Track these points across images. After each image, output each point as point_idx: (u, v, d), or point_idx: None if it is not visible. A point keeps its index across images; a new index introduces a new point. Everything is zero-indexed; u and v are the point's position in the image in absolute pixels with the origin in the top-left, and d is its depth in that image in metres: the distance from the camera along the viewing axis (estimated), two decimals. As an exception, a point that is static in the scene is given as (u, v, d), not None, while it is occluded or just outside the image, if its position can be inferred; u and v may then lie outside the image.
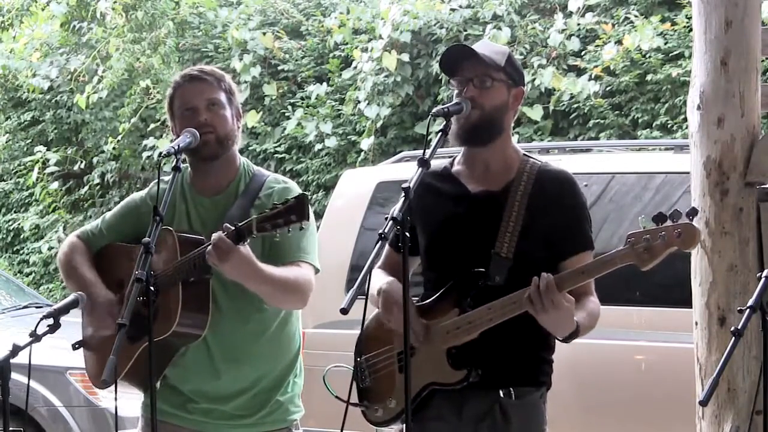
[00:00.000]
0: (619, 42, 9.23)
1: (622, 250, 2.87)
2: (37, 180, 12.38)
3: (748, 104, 4.15)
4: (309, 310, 3.42)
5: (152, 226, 3.02)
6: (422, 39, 10.11)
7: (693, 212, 2.79)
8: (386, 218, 2.79)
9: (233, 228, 3.06)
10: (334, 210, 6.14)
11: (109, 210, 3.74)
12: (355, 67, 10.33)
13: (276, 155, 10.83)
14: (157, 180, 3.23)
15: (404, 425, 2.92)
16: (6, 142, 12.97)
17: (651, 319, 5.11)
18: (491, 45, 3.32)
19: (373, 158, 9.84)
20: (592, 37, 9.61)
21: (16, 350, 3.15)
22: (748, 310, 2.76)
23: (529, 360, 3.16)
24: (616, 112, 9.25)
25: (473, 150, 3.22)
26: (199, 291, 3.24)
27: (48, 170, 12.39)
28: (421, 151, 3.00)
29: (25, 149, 12.85)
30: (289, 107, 10.80)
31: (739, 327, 2.74)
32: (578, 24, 9.53)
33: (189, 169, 3.46)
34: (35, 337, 3.17)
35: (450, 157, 3.36)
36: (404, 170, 5.67)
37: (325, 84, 10.67)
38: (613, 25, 9.50)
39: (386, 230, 2.76)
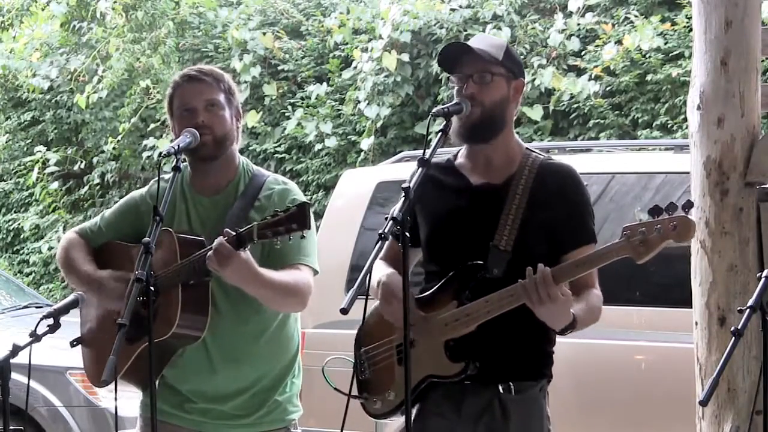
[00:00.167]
0: (619, 42, 9.23)
1: (618, 242, 2.87)
2: (37, 180, 12.38)
3: (748, 104, 4.15)
4: (309, 310, 3.42)
5: (152, 226, 3.02)
6: (422, 39, 10.11)
7: (689, 205, 2.78)
8: (386, 218, 2.80)
9: (234, 234, 3.07)
10: (334, 210, 6.14)
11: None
12: (355, 67, 10.33)
13: (276, 155, 10.83)
14: (157, 178, 3.23)
15: (404, 417, 2.93)
16: (6, 142, 12.97)
17: (651, 319, 5.11)
18: (488, 39, 3.32)
19: (373, 158, 9.84)
20: (592, 37, 9.61)
21: (16, 350, 3.16)
22: (748, 310, 2.77)
23: (528, 353, 3.16)
24: (616, 112, 9.25)
25: (476, 146, 3.23)
26: (198, 293, 3.24)
27: (48, 170, 12.39)
28: (421, 151, 3.00)
29: (25, 149, 12.85)
30: (289, 107, 10.80)
31: (739, 327, 2.75)
32: (578, 24, 9.53)
33: (189, 168, 3.46)
34: (35, 337, 3.17)
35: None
36: (404, 170, 5.65)
37: (325, 84, 10.67)
38: (613, 25, 9.50)
39: (386, 230, 2.77)
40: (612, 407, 5.16)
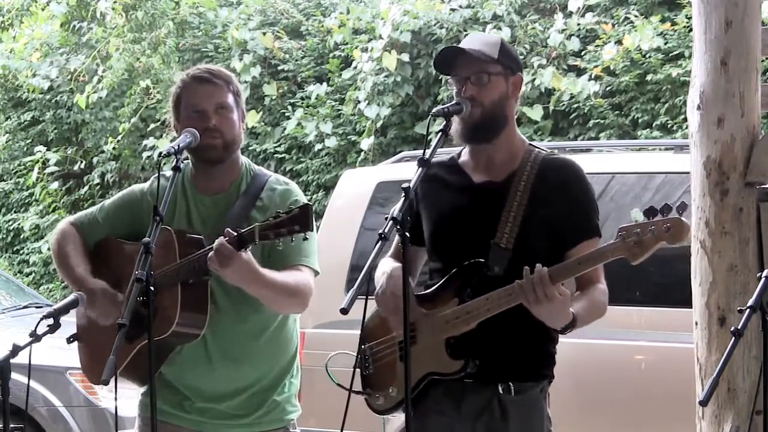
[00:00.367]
0: (619, 42, 9.23)
1: (613, 243, 2.88)
2: (37, 180, 12.37)
3: (748, 104, 4.15)
4: (309, 310, 3.42)
5: (152, 226, 3.01)
6: (422, 39, 10.11)
7: (683, 207, 2.79)
8: (386, 218, 2.80)
9: (235, 234, 3.07)
10: (334, 210, 6.14)
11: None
12: (355, 67, 10.33)
13: (276, 155, 10.83)
14: (157, 175, 3.22)
15: (404, 414, 2.94)
16: (6, 142, 12.97)
17: (651, 319, 5.11)
18: (482, 37, 3.31)
19: (373, 158, 9.84)
20: (592, 37, 9.61)
21: (16, 350, 3.15)
22: (748, 310, 2.76)
23: (529, 354, 3.16)
24: (616, 112, 9.25)
25: (479, 146, 3.24)
26: (198, 292, 3.24)
27: (48, 170, 12.38)
28: (421, 151, 3.01)
29: (25, 149, 12.84)
30: (289, 107, 10.80)
31: (739, 327, 2.74)
32: (578, 24, 9.53)
33: (190, 166, 3.46)
34: (35, 337, 3.17)
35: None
36: (404, 170, 5.67)
37: (325, 84, 10.66)
38: (613, 25, 9.50)
39: (386, 230, 2.77)
40: (612, 407, 5.16)
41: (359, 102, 10.09)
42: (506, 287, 2.99)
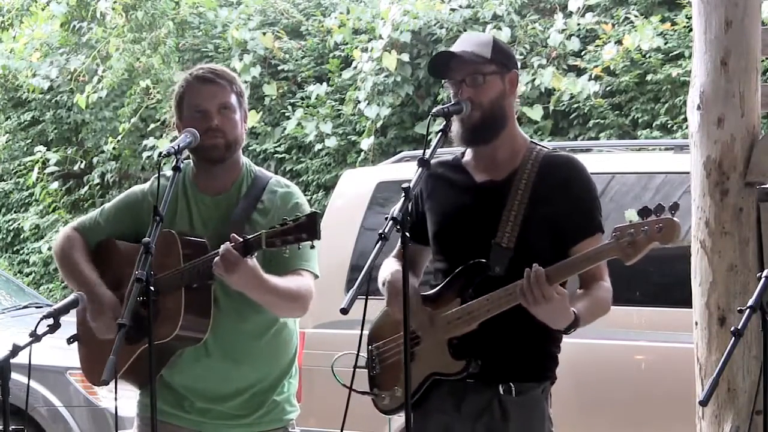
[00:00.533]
0: (619, 42, 9.23)
1: (607, 243, 2.88)
2: (37, 180, 12.37)
3: (748, 104, 4.14)
4: (309, 309, 3.42)
5: (152, 226, 3.01)
6: (422, 39, 10.11)
7: (675, 207, 2.79)
8: (386, 218, 2.80)
9: (242, 240, 3.07)
10: (334, 210, 6.14)
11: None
12: (355, 67, 10.33)
13: (276, 155, 10.83)
14: (157, 175, 3.22)
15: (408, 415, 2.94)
16: (6, 142, 12.96)
17: (651, 319, 5.11)
18: (474, 38, 3.31)
19: (373, 158, 9.84)
20: (592, 37, 9.61)
21: (16, 350, 3.15)
22: (748, 310, 2.76)
23: (531, 354, 3.16)
24: (616, 112, 9.25)
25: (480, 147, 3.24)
26: (201, 296, 3.25)
27: (48, 170, 12.38)
28: (421, 151, 3.01)
29: (25, 149, 12.84)
30: (289, 107, 10.80)
31: (739, 327, 2.74)
32: (578, 24, 9.52)
33: (191, 166, 3.46)
34: (35, 337, 3.17)
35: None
36: (404, 170, 5.67)
37: (325, 84, 10.66)
38: (613, 25, 9.50)
39: (386, 230, 2.77)
40: (612, 407, 5.16)
41: (359, 102, 10.09)
42: (506, 287, 3.00)
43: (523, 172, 3.16)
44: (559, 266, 2.96)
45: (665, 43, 9.05)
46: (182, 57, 11.57)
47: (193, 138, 3.26)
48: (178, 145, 3.19)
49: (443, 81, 3.30)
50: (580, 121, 9.38)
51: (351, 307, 2.65)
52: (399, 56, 9.86)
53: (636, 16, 9.38)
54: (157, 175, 3.23)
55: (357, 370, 3.08)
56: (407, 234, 2.81)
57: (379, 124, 10.00)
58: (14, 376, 3.15)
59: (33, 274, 12.36)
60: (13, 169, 12.98)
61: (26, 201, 12.88)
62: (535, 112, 9.31)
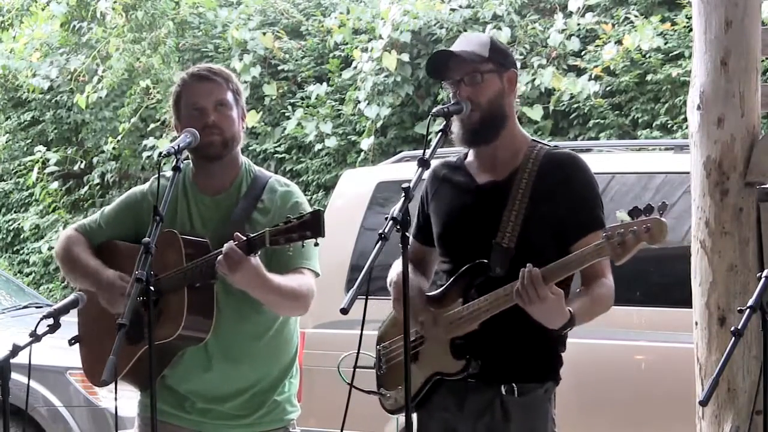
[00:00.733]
0: (619, 42, 9.23)
1: (599, 243, 2.88)
2: (37, 180, 12.37)
3: (748, 104, 4.14)
4: (309, 310, 3.42)
5: (152, 226, 3.01)
6: (422, 39, 10.11)
7: (663, 207, 2.80)
8: (386, 218, 2.80)
9: (245, 239, 3.07)
10: (334, 210, 6.14)
11: (110, 209, 3.72)
12: (355, 67, 10.33)
13: (276, 155, 10.83)
14: (157, 176, 3.23)
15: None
16: (6, 142, 12.97)
17: (651, 319, 5.11)
18: (472, 38, 3.31)
19: (373, 158, 9.84)
20: (592, 37, 9.61)
21: (16, 350, 3.15)
22: (748, 310, 2.77)
23: (533, 355, 3.16)
24: (616, 112, 9.25)
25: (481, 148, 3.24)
26: (204, 296, 3.25)
27: (48, 170, 12.38)
28: (421, 151, 3.01)
29: (25, 149, 12.84)
30: (289, 107, 10.80)
31: (739, 327, 2.75)
32: (578, 24, 9.53)
33: (191, 166, 3.46)
34: (35, 337, 3.17)
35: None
36: (404, 170, 5.66)
37: (325, 84, 10.67)
38: (613, 25, 9.50)
39: (386, 230, 2.77)
40: (612, 407, 5.16)
41: (359, 102, 10.10)
42: (504, 287, 3.01)
43: (524, 171, 3.16)
44: (554, 266, 2.96)
45: (665, 43, 9.06)
46: (182, 57, 11.57)
47: (193, 138, 3.27)
48: (178, 145, 3.20)
49: (442, 82, 3.30)
50: (580, 121, 9.38)
51: (351, 307, 2.66)
52: (399, 56, 9.86)
53: (636, 16, 9.38)
54: (156, 175, 3.23)
55: (363, 369, 3.08)
56: (407, 234, 2.81)
57: (379, 124, 10.00)
58: (14, 376, 3.15)
59: (33, 274, 12.36)
60: (13, 169, 12.98)
61: (26, 201, 12.88)
62: (535, 112, 9.31)
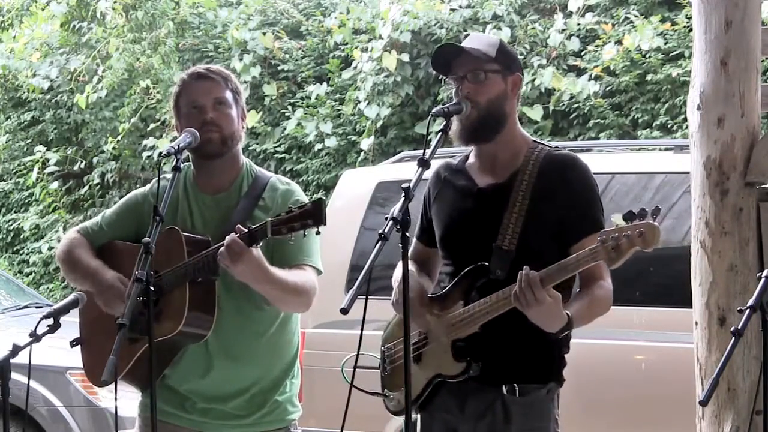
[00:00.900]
0: (619, 42, 9.23)
1: (594, 247, 2.88)
2: (37, 180, 12.37)
3: (748, 104, 4.14)
4: (309, 309, 3.42)
5: (152, 226, 3.01)
6: (422, 39, 10.11)
7: (656, 211, 2.80)
8: (386, 218, 2.80)
9: (246, 230, 3.07)
10: (334, 210, 6.12)
11: (110, 210, 3.73)
12: (355, 67, 10.33)
13: (276, 155, 10.83)
14: (158, 177, 3.23)
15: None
16: (6, 142, 12.97)
17: (651, 319, 5.11)
18: (481, 37, 3.33)
19: (373, 158, 9.84)
20: (592, 37, 9.61)
21: (16, 350, 3.15)
22: (748, 310, 2.76)
23: (534, 355, 3.16)
24: (616, 112, 9.25)
25: (480, 146, 3.24)
26: (205, 292, 3.24)
27: (48, 170, 12.39)
28: (421, 151, 3.01)
29: (25, 149, 12.85)
30: (289, 107, 10.81)
31: (739, 327, 2.74)
32: (578, 24, 9.53)
33: (192, 166, 3.47)
34: (35, 337, 3.17)
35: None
36: (404, 170, 5.67)
37: (325, 84, 10.67)
38: (613, 25, 9.51)
39: (386, 230, 2.77)
40: (612, 407, 5.16)
41: (359, 102, 10.10)
42: (503, 290, 3.01)
43: (524, 173, 3.16)
44: (551, 269, 2.96)
45: (665, 43, 9.06)
46: (182, 57, 11.57)
47: (193, 138, 3.28)
48: (178, 145, 3.20)
49: (444, 79, 3.30)
50: (580, 121, 9.38)
51: (351, 307, 2.65)
52: (399, 56, 9.86)
53: (636, 16, 9.39)
54: (157, 177, 3.24)
55: (366, 370, 3.08)
56: (407, 234, 2.81)
57: (379, 124, 10.00)
58: (14, 376, 3.15)
59: (33, 274, 12.37)
60: (13, 169, 12.99)
61: (26, 201, 12.89)
62: (535, 112, 9.31)
